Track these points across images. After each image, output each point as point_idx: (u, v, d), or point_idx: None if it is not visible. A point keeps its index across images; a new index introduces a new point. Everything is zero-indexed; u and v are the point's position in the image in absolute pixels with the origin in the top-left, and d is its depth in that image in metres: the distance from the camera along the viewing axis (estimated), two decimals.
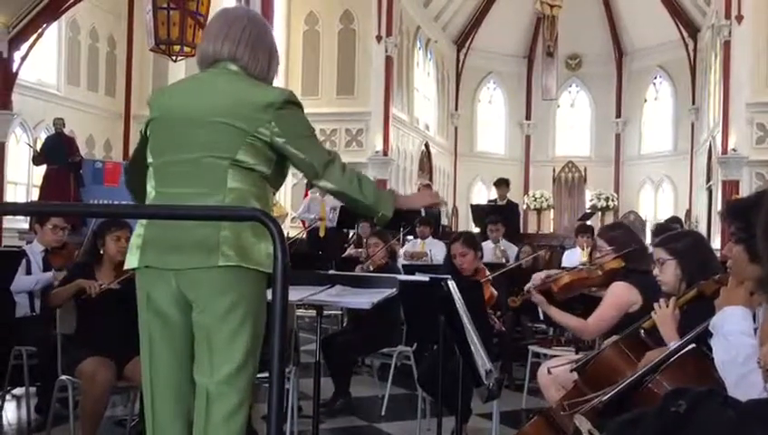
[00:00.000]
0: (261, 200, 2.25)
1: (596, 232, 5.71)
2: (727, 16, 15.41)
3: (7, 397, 4.83)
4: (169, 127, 2.27)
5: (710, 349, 2.00)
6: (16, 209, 3.05)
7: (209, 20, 2.49)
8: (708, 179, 17.15)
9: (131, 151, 14.68)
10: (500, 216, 8.67)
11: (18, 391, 4.93)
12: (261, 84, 2.33)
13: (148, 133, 2.35)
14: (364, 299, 2.81)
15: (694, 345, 2.25)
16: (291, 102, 2.26)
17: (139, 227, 2.28)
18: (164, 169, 2.26)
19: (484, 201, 14.69)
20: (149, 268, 2.23)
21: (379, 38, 16.18)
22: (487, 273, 4.63)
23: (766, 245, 1.05)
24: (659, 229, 7.79)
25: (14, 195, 13.30)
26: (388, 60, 16.33)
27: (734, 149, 15.08)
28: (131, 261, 2.27)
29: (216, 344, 2.17)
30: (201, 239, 2.14)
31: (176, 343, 2.26)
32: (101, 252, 3.91)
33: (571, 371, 2.94)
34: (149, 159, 2.31)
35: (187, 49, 12.27)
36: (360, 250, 7.94)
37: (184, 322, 2.24)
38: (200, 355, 2.22)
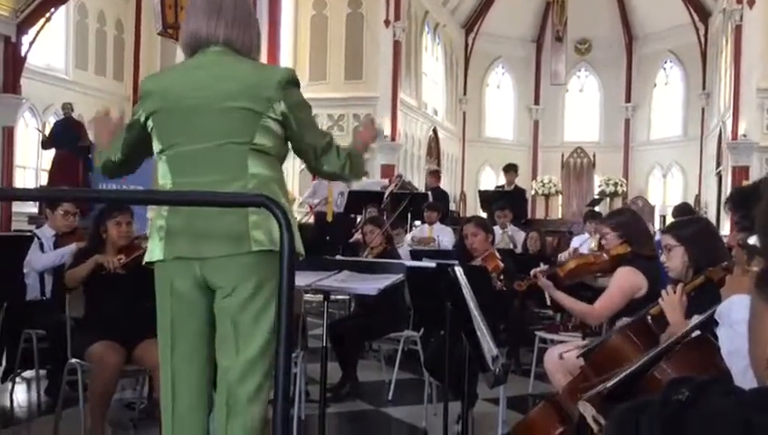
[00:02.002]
0: (280, 185, 2.26)
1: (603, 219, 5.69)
2: (738, 1, 15.26)
3: (17, 380, 4.88)
4: (179, 117, 2.22)
5: (716, 336, 2.00)
6: (26, 195, 3.08)
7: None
8: (718, 165, 17.07)
9: None
10: (508, 202, 8.65)
11: (28, 373, 4.98)
12: (261, 64, 2.34)
13: (149, 123, 2.29)
14: (371, 285, 2.81)
15: (699, 332, 2.25)
16: (294, 81, 2.26)
17: (158, 218, 2.25)
18: (179, 159, 2.23)
19: (492, 187, 14.66)
20: (178, 258, 2.22)
21: (387, 23, 16.11)
22: (498, 255, 4.65)
23: (765, 239, 1.04)
24: (680, 211, 7.79)
25: (23, 179, 13.37)
26: (397, 44, 16.27)
27: (744, 135, 14.99)
28: (155, 253, 2.25)
29: (242, 327, 2.18)
30: (229, 226, 2.14)
31: (199, 329, 2.27)
32: (104, 237, 3.92)
33: (578, 356, 2.94)
34: (159, 150, 2.28)
35: None
36: (359, 237, 7.94)
37: (207, 308, 2.25)
38: (224, 339, 2.22)
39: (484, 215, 10.20)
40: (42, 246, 4.69)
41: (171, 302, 2.25)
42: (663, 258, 2.99)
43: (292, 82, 2.24)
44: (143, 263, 2.35)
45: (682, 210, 8.15)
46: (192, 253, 2.19)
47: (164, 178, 2.27)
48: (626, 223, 3.65)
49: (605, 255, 3.60)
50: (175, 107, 2.23)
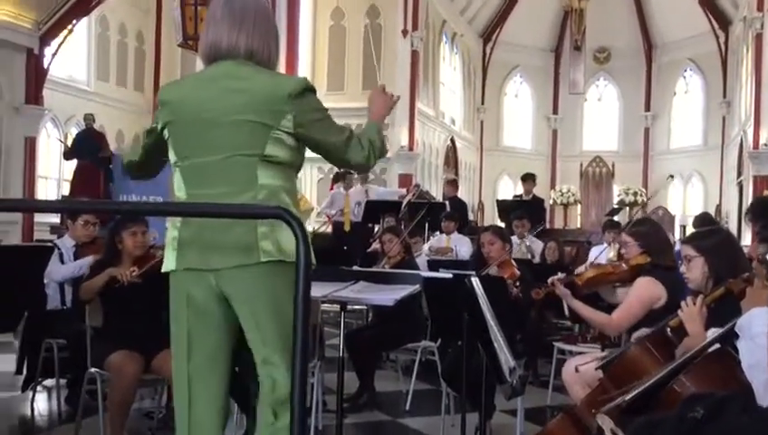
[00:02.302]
0: (290, 194, 2.27)
1: (623, 227, 5.66)
2: (759, 8, 15.13)
3: (38, 388, 4.92)
4: (191, 129, 2.25)
5: (736, 349, 1.97)
6: (46, 206, 3.12)
7: (212, 8, 2.34)
8: (739, 174, 16.89)
9: None
10: (526, 211, 8.61)
11: (49, 382, 5.03)
12: (275, 74, 2.33)
13: (165, 133, 2.32)
14: (387, 296, 2.81)
15: (719, 346, 2.22)
16: (306, 90, 2.26)
17: (172, 229, 2.28)
18: (192, 170, 2.26)
19: (509, 196, 14.61)
20: (188, 269, 2.24)
21: (404, 32, 16.14)
22: (513, 263, 4.62)
23: None
24: (701, 220, 7.72)
25: (45, 189, 13.52)
26: (414, 54, 16.30)
27: (765, 144, 14.81)
28: (168, 263, 2.28)
29: (263, 323, 2.20)
30: (239, 238, 2.15)
31: (216, 339, 2.28)
32: (120, 248, 3.95)
33: (596, 368, 2.92)
34: (174, 160, 2.31)
35: None
36: (377, 246, 7.93)
37: (224, 316, 2.26)
38: (250, 332, 2.24)
39: (501, 224, 10.17)
40: (62, 256, 4.74)
41: (188, 313, 2.26)
42: (683, 269, 2.97)
43: (304, 91, 2.24)
44: (161, 271, 2.37)
45: (703, 220, 8.08)
46: (202, 264, 2.21)
47: (179, 189, 2.30)
48: (646, 233, 3.63)
49: (624, 265, 3.58)
50: (188, 119, 2.25)
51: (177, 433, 2.33)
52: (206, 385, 2.28)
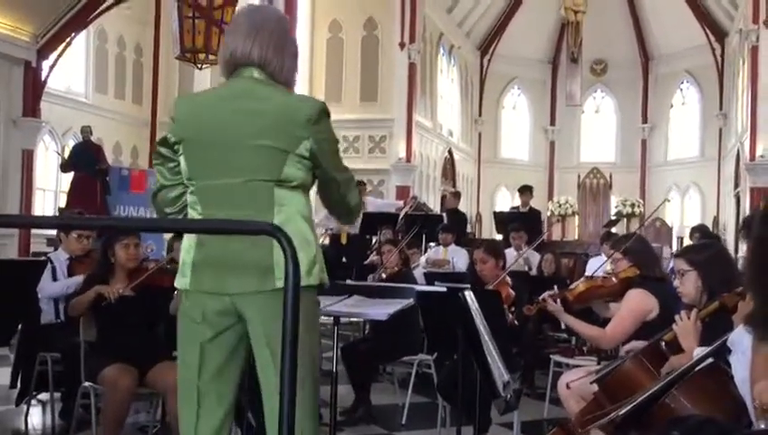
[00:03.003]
0: (306, 218, 2.25)
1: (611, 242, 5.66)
2: (755, 21, 15.21)
3: (33, 402, 4.90)
4: (208, 150, 2.23)
5: (729, 364, 1.97)
6: (42, 223, 3.13)
7: (235, 17, 2.37)
8: (736, 186, 16.92)
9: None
10: (523, 223, 8.62)
11: (43, 396, 5.00)
12: (292, 95, 2.31)
13: (179, 151, 2.28)
14: (381, 310, 2.81)
15: (712, 360, 2.22)
16: (323, 114, 2.25)
17: (189, 248, 2.26)
18: (207, 192, 2.24)
19: (507, 208, 14.63)
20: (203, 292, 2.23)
21: (402, 45, 16.20)
22: (508, 279, 4.59)
23: (753, 274, 1.02)
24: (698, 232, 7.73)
25: (42, 201, 13.51)
26: (412, 66, 16.34)
27: (762, 156, 14.86)
28: (182, 282, 2.26)
29: (275, 346, 2.13)
30: (255, 263, 2.14)
31: (228, 355, 2.27)
32: (113, 261, 3.94)
33: (591, 383, 2.92)
34: (188, 179, 2.28)
35: (212, 57, 12.37)
36: (376, 257, 7.94)
37: (237, 334, 2.25)
38: (261, 355, 2.22)
39: (499, 236, 10.18)
40: (54, 271, 4.72)
41: (202, 328, 2.24)
42: (676, 283, 2.97)
43: (321, 116, 2.23)
44: (175, 286, 2.35)
45: (700, 232, 8.09)
46: (218, 288, 2.20)
47: (192, 207, 2.29)
48: (634, 249, 3.65)
49: (614, 278, 3.59)
50: (204, 140, 2.23)
51: None
52: (216, 401, 2.27)
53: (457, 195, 11.97)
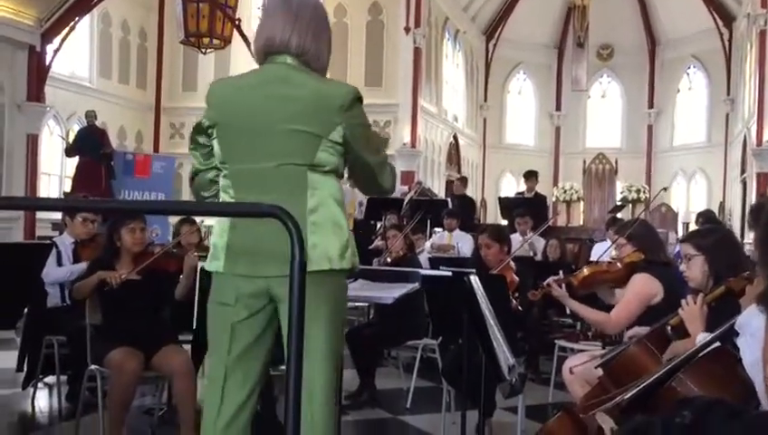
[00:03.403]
0: (338, 202, 2.27)
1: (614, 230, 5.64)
2: (763, 5, 15.08)
3: (39, 385, 4.93)
4: (242, 134, 2.25)
5: (736, 347, 1.96)
6: (47, 205, 3.13)
7: (270, 4, 2.37)
8: (743, 172, 16.84)
9: (162, 143, 14.81)
10: (528, 208, 8.59)
11: (50, 379, 5.03)
12: (326, 81, 2.32)
13: (213, 135, 2.30)
14: (386, 293, 2.81)
15: (719, 344, 2.21)
16: (356, 99, 2.27)
17: (222, 231, 2.28)
18: (240, 176, 2.27)
19: (512, 193, 14.61)
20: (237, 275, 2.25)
21: (407, 30, 16.11)
22: (512, 265, 4.58)
23: (764, 256, 1.02)
24: (704, 217, 7.71)
25: (47, 186, 13.54)
26: (417, 51, 16.26)
27: None
28: (215, 265, 2.28)
29: (306, 328, 2.18)
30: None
31: (258, 334, 2.29)
32: (118, 245, 3.95)
33: (596, 367, 2.91)
34: (221, 162, 2.30)
35: (216, 41, 12.38)
36: (381, 242, 7.94)
37: (269, 315, 2.28)
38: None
39: (504, 222, 10.16)
40: (60, 255, 4.73)
41: (235, 308, 2.26)
42: (683, 267, 2.96)
43: (354, 102, 2.26)
44: (204, 268, 2.38)
45: (706, 217, 8.06)
46: (252, 271, 2.22)
47: (225, 191, 2.30)
48: (639, 234, 3.64)
49: (619, 263, 3.59)
50: (238, 124, 2.25)
51: (204, 424, 2.33)
52: (241, 380, 2.29)
53: (464, 180, 11.98)
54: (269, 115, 2.21)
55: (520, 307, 4.10)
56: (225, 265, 2.26)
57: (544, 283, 3.63)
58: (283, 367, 2.71)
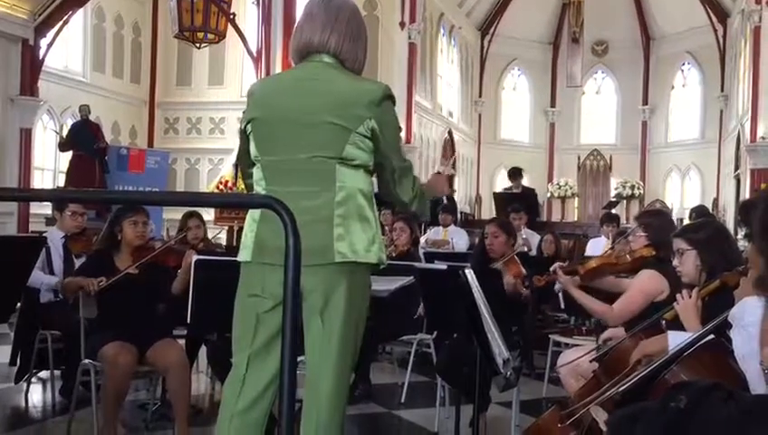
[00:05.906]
0: (366, 197, 2.32)
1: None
2: (758, 1, 15.10)
3: (33, 380, 4.92)
4: (275, 127, 2.33)
5: (730, 340, 1.97)
6: (39, 196, 3.10)
7: (309, 6, 2.46)
8: (736, 168, 16.89)
9: (156, 138, 14.73)
10: (522, 204, 8.61)
11: (43, 374, 5.03)
12: (359, 79, 2.40)
13: (248, 131, 2.40)
14: (381, 287, 2.81)
15: (713, 336, 2.22)
16: (387, 98, 2.33)
17: (252, 223, 2.35)
18: (273, 167, 2.34)
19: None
20: (265, 263, 2.30)
21: (402, 25, 16.08)
22: (518, 260, 4.58)
23: (762, 241, 1.02)
24: (697, 213, 7.73)
25: (40, 180, 13.47)
26: (412, 47, 16.24)
27: (763, 137, 14.81)
28: (244, 253, 2.35)
29: (327, 325, 2.25)
30: (317, 240, 2.22)
31: (280, 323, 2.32)
32: (119, 238, 3.93)
33: (591, 361, 2.92)
34: (255, 155, 2.38)
35: (210, 36, 12.32)
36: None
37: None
38: (312, 323, 2.27)
39: None
40: (49, 253, 4.68)
41: (261, 298, 2.30)
42: (675, 262, 2.96)
43: (384, 100, 2.31)
44: (238, 260, 2.41)
45: (699, 212, 8.09)
46: (278, 261, 2.23)
47: (258, 183, 2.38)
48: (658, 227, 3.57)
49: (628, 256, 3.55)
50: (272, 117, 2.33)
51: (222, 410, 2.36)
52: (261, 370, 2.32)
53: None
54: (301, 108, 2.29)
55: (531, 291, 4.13)
56: (254, 255, 2.32)
57: (551, 269, 3.63)
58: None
